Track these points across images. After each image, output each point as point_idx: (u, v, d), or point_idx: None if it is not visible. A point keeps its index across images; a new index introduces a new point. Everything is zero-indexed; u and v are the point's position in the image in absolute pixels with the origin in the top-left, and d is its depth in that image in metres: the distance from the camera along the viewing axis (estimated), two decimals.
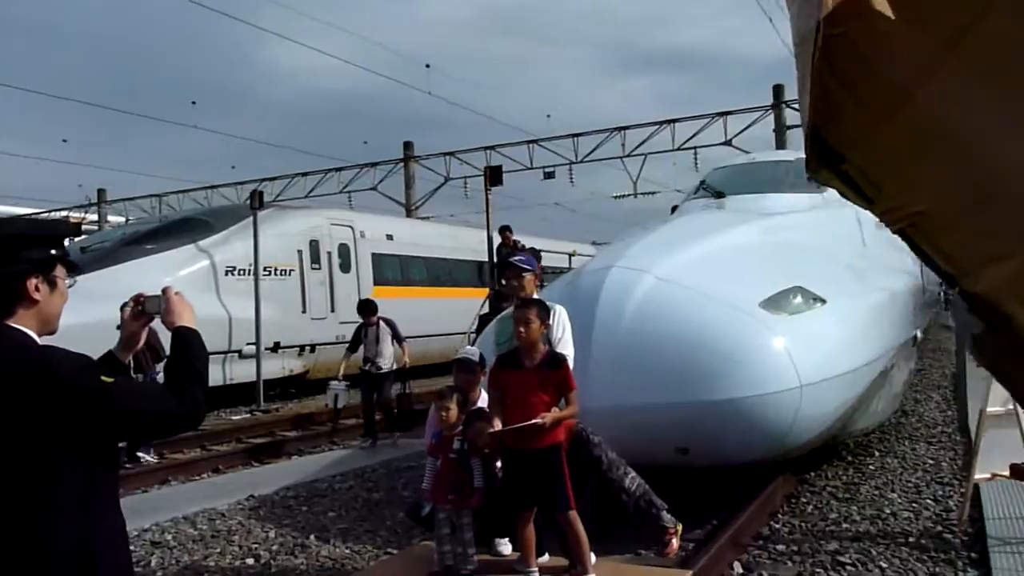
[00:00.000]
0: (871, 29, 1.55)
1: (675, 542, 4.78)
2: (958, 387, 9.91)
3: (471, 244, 21.71)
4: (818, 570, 5.17)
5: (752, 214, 8.58)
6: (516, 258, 4.90)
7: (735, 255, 7.03)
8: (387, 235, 19.62)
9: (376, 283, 18.61)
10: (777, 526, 6.10)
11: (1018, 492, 6.11)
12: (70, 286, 2.24)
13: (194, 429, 2.35)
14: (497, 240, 14.99)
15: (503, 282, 12.54)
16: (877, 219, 1.81)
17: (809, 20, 1.61)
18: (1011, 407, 5.52)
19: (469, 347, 5.26)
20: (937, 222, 1.67)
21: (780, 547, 5.61)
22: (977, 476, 5.73)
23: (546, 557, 4.73)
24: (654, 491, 4.87)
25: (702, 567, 4.92)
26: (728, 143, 24.62)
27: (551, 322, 4.58)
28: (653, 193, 29.25)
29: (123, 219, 31.16)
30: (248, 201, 15.92)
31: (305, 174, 29.87)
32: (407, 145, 29.59)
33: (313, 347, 16.83)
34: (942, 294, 24.39)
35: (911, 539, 5.67)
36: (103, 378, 2.03)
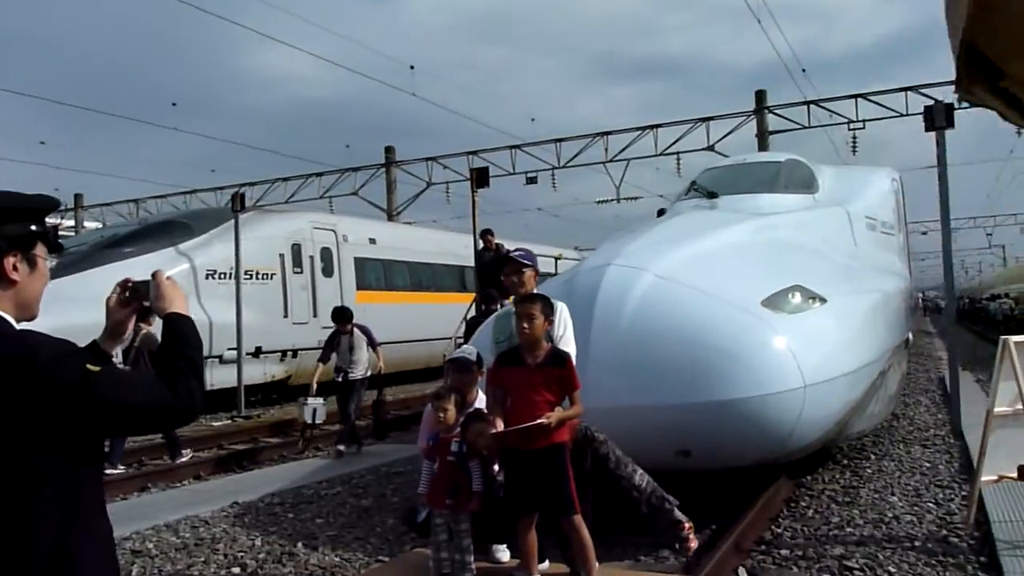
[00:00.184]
0: None
1: (693, 537, 4.62)
2: (951, 391, 9.82)
3: (455, 249, 21.52)
4: (825, 575, 5.04)
5: (745, 214, 8.48)
6: (516, 253, 4.71)
7: (732, 254, 6.91)
8: (370, 239, 19.39)
9: (359, 288, 18.38)
10: (779, 530, 5.95)
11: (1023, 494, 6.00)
12: (52, 267, 2.03)
13: (188, 424, 2.14)
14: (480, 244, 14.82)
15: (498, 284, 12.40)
16: None
17: None
18: (1019, 407, 5.41)
19: (466, 346, 5.07)
20: None
21: (784, 552, 5.46)
22: (983, 478, 5.61)
23: (546, 564, 4.56)
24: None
25: (707, 574, 4.77)
26: (710, 148, 24.64)
27: (554, 318, 4.40)
28: (636, 198, 29.21)
29: (100, 224, 30.65)
30: (229, 204, 15.64)
31: (286, 179, 29.52)
32: (388, 150, 29.38)
33: (295, 352, 16.55)
34: (921, 299, 24.59)
35: (916, 543, 5.54)
36: (89, 366, 1.81)
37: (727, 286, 6.05)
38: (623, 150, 25.76)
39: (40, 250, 1.96)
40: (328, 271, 17.66)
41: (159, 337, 8.81)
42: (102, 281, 12.10)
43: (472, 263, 20.56)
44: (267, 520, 6.74)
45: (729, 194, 9.23)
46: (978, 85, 1.56)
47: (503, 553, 4.83)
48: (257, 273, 15.84)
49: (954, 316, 10.19)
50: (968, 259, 71.03)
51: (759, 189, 9.41)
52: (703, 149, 24.86)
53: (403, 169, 29.00)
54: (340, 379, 10.22)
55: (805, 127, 24.03)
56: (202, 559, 5.71)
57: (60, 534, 1.76)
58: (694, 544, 4.67)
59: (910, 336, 10.38)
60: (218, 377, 14.71)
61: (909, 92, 22.64)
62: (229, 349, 14.74)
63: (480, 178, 13.16)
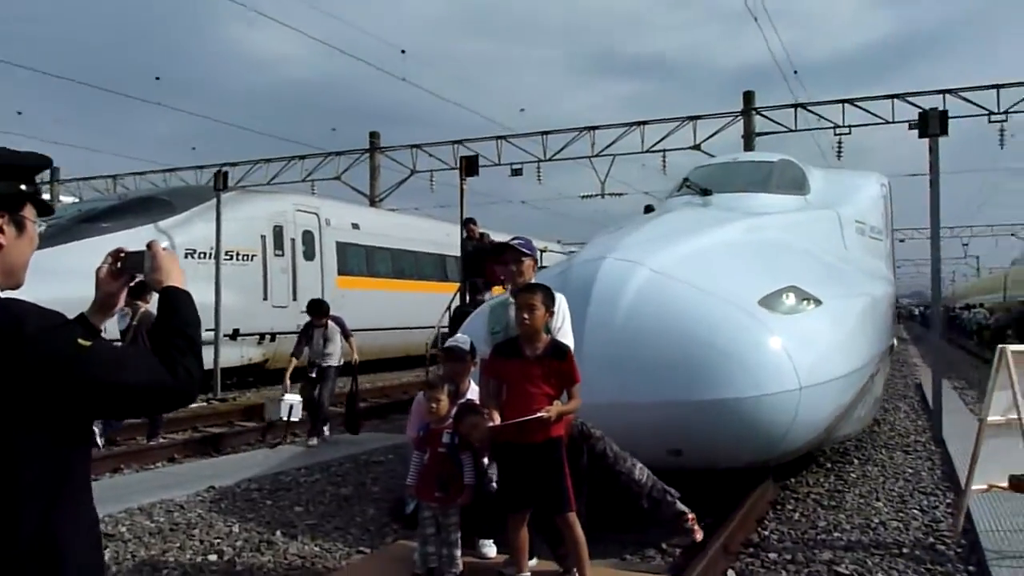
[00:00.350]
0: None
1: (698, 527, 4.53)
2: (933, 400, 9.84)
3: (439, 237, 21.36)
4: None
5: (739, 212, 8.41)
6: (516, 241, 4.58)
7: (727, 252, 6.83)
8: (353, 224, 19.16)
9: (340, 273, 18.17)
10: (766, 533, 5.88)
11: (1009, 504, 5.98)
12: (41, 231, 1.87)
13: (186, 406, 1.99)
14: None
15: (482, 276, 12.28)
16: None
17: None
18: (1012, 416, 5.37)
19: (460, 335, 4.94)
20: None
21: (772, 555, 5.39)
22: (973, 487, 5.56)
23: (534, 561, 4.45)
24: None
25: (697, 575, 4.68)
26: (697, 147, 24.68)
27: (555, 309, 4.27)
28: (620, 194, 29.22)
29: (76, 199, 30.12)
30: (211, 183, 15.36)
31: (268, 160, 29.19)
32: (373, 135, 29.12)
33: (273, 336, 16.32)
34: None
35: (904, 550, 5.49)
36: (80, 341, 1.65)
37: (724, 284, 5.96)
38: (609, 145, 25.75)
39: (29, 212, 1.79)
40: (310, 255, 17.43)
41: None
42: (80, 256, 11.90)
43: (455, 252, 20.47)
44: (244, 506, 6.57)
45: (722, 192, 9.16)
46: None
47: (489, 548, 4.73)
48: (237, 254, 15.59)
49: (941, 326, 10.18)
50: (943, 268, 71.70)
51: (752, 188, 9.34)
52: (689, 148, 24.91)
53: (387, 155, 28.79)
54: (313, 374, 9.95)
55: (792, 130, 24.10)
56: (177, 545, 5.54)
57: (43, 519, 1.61)
58: (700, 535, 4.58)
59: (894, 342, 10.38)
60: None
61: (896, 100, 22.80)
62: (206, 330, 14.47)
63: (470, 166, 13.01)
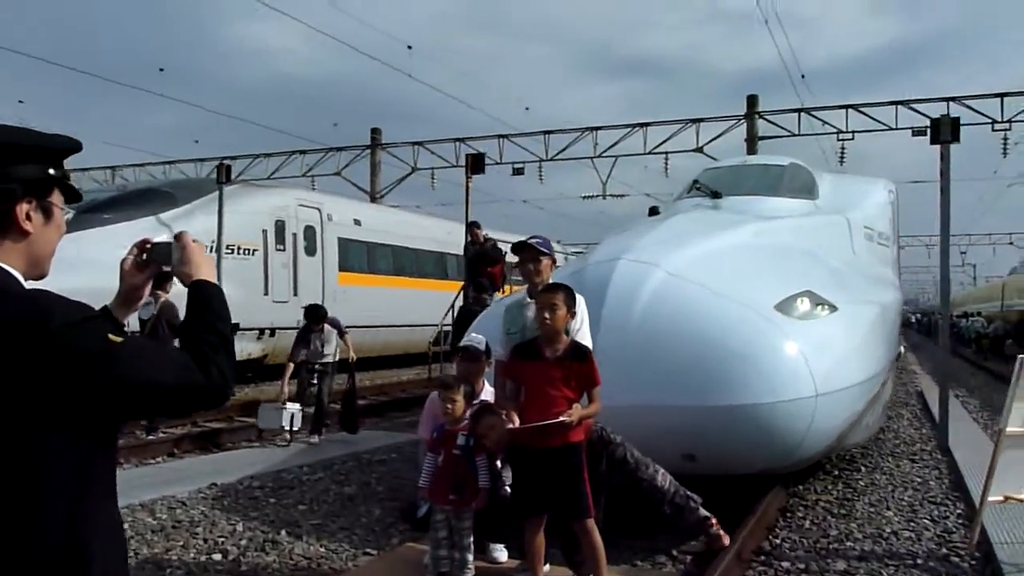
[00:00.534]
0: None
1: (723, 533, 4.45)
2: (940, 409, 9.76)
3: (441, 235, 21.26)
4: None
5: (749, 216, 8.33)
6: (534, 240, 4.47)
7: (741, 255, 6.74)
8: (355, 220, 19.05)
9: (341, 269, 18.06)
10: (777, 541, 5.80)
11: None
12: (68, 218, 1.77)
13: (218, 407, 1.89)
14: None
15: (479, 281, 12.16)
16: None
17: None
18: None
19: (475, 335, 4.84)
20: None
21: (785, 564, 5.30)
22: (990, 498, 5.48)
23: (547, 567, 4.36)
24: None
25: None
26: (699, 150, 24.65)
27: (576, 310, 4.17)
28: (622, 196, 29.17)
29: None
30: (213, 175, 15.25)
31: (268, 155, 29.03)
32: (375, 131, 29.00)
33: (273, 331, 16.21)
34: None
35: (919, 561, 5.41)
36: (111, 336, 1.55)
37: (739, 288, 5.87)
38: (612, 146, 25.68)
39: (56, 198, 1.70)
40: (311, 250, 17.31)
41: (176, 309, 8.39)
42: (80, 247, 11.78)
43: (456, 251, 20.36)
44: (247, 504, 6.48)
45: (732, 195, 9.08)
46: None
47: (500, 552, 4.64)
48: (239, 248, 15.47)
49: (947, 334, 10.11)
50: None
51: (762, 191, 9.27)
52: (692, 151, 24.87)
53: (389, 152, 28.67)
54: (315, 379, 9.85)
55: (795, 135, 24.05)
56: (180, 543, 5.44)
57: (69, 520, 1.52)
58: (726, 540, 4.49)
59: (902, 349, 10.32)
60: None
61: (899, 106, 22.75)
62: None
63: (475, 164, 12.90)
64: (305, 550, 5.37)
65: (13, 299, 1.53)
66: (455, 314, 12.85)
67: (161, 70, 25.17)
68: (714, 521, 4.46)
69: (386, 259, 19.92)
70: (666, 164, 25.85)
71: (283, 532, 5.71)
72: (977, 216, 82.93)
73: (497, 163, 25.98)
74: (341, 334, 10.09)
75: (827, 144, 24.49)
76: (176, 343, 1.89)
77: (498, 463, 4.40)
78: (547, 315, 3.90)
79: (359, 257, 18.89)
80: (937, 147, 9.74)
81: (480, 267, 12.20)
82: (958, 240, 51.28)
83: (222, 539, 5.53)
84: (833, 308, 6.15)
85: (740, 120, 24.59)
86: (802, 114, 23.72)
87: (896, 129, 22.77)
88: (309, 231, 17.30)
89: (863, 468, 8.27)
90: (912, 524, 6.28)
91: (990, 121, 21.84)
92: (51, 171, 1.68)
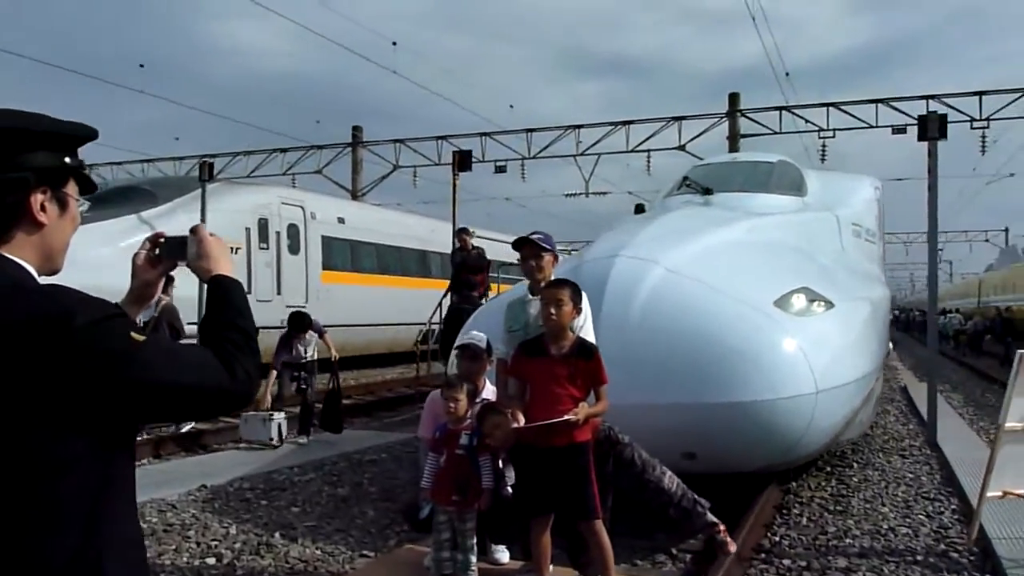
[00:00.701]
0: None
1: (731, 540, 4.39)
2: (928, 405, 9.81)
3: (423, 233, 21.13)
4: None
5: (740, 212, 8.31)
6: (536, 236, 4.39)
7: (736, 252, 6.72)
8: (339, 218, 18.88)
9: (325, 267, 17.90)
10: (776, 539, 5.78)
11: (1021, 510, 5.92)
12: (82, 210, 1.68)
13: (242, 409, 1.81)
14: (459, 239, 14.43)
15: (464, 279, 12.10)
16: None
17: None
18: None
19: (475, 332, 4.76)
20: None
21: (786, 562, 5.27)
22: (988, 494, 5.48)
23: (551, 568, 4.29)
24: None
25: None
26: (682, 148, 24.71)
27: (582, 306, 4.10)
28: (604, 193, 29.21)
29: None
30: (195, 173, 15.05)
31: (248, 152, 28.78)
32: (356, 129, 28.83)
33: (256, 330, 16.01)
34: None
35: (918, 557, 5.40)
36: (134, 335, 1.46)
37: (737, 284, 5.84)
38: (594, 144, 25.67)
39: (72, 189, 1.59)
40: (294, 248, 17.13)
41: (177, 311, 8.24)
42: None
43: (440, 249, 20.26)
44: (239, 507, 6.36)
45: (722, 191, 9.06)
46: None
47: (502, 554, 4.57)
48: None
49: (935, 331, 10.14)
50: (916, 272, 73.14)
51: (752, 188, 9.26)
52: (674, 148, 24.92)
53: (370, 150, 28.52)
54: (303, 384, 9.76)
55: (776, 132, 24.14)
56: (173, 547, 5.32)
57: (88, 535, 1.41)
58: (733, 547, 4.45)
59: (891, 345, 10.36)
60: None
61: (879, 104, 22.91)
62: (189, 324, 14.17)
63: (462, 162, 12.81)
64: (301, 553, 5.27)
65: (30, 295, 1.42)
66: (443, 313, 12.76)
67: (142, 66, 24.77)
68: (722, 528, 4.40)
69: (370, 257, 19.77)
70: (648, 162, 25.97)
71: (277, 535, 5.60)
72: (954, 213, 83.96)
73: (480, 161, 25.89)
74: (320, 334, 10.00)
75: (808, 141, 24.65)
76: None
77: (500, 463, 4.33)
78: (553, 311, 3.83)
79: (343, 255, 18.74)
80: (915, 145, 9.80)
81: (462, 275, 12.19)
82: None
83: (215, 543, 5.42)
84: (830, 304, 6.14)
85: (722, 118, 24.66)
86: (784, 112, 23.81)
87: (877, 127, 22.92)
88: (292, 229, 17.12)
89: (855, 464, 8.29)
90: (908, 520, 6.28)
91: (969, 119, 22.03)
92: (67, 159, 1.58)
